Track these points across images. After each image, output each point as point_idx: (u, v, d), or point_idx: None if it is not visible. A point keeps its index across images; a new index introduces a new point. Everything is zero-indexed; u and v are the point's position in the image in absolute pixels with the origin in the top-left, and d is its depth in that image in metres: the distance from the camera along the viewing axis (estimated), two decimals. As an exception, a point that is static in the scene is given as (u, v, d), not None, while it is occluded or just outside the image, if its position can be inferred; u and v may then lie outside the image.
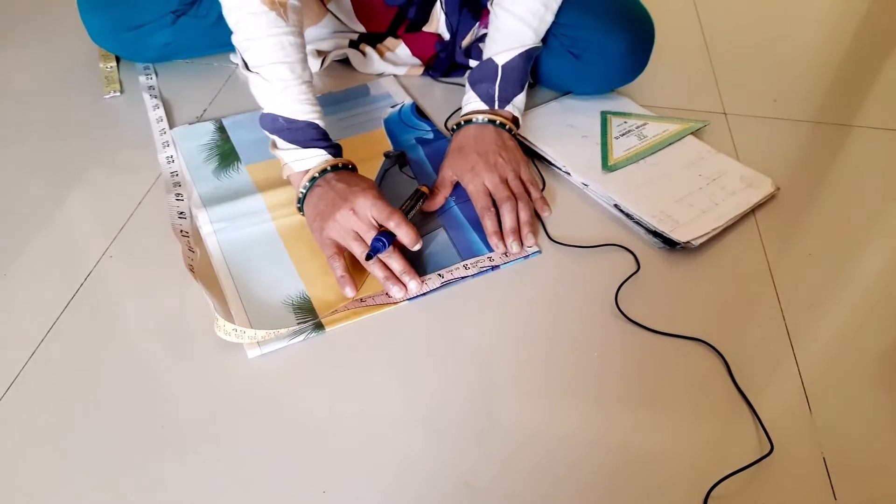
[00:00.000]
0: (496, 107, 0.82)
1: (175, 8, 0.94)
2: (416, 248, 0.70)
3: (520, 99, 0.84)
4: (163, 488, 0.56)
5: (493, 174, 0.78)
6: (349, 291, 0.69)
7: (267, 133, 0.75)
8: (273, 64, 0.71)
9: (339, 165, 0.73)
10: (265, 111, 0.74)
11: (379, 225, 0.69)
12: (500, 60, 0.82)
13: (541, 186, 0.85)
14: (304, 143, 0.73)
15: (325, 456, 0.58)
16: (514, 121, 0.84)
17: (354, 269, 0.72)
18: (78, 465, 0.57)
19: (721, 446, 0.60)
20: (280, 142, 0.74)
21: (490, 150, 0.79)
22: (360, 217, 0.69)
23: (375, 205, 0.68)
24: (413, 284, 0.70)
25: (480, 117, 0.82)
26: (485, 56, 0.84)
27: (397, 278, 0.70)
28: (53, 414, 0.60)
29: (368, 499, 0.56)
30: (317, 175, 0.72)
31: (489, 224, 0.76)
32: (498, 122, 0.81)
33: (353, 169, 0.75)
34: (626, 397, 0.63)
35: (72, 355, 0.65)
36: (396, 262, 0.70)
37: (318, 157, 0.73)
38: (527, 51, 0.82)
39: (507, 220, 0.75)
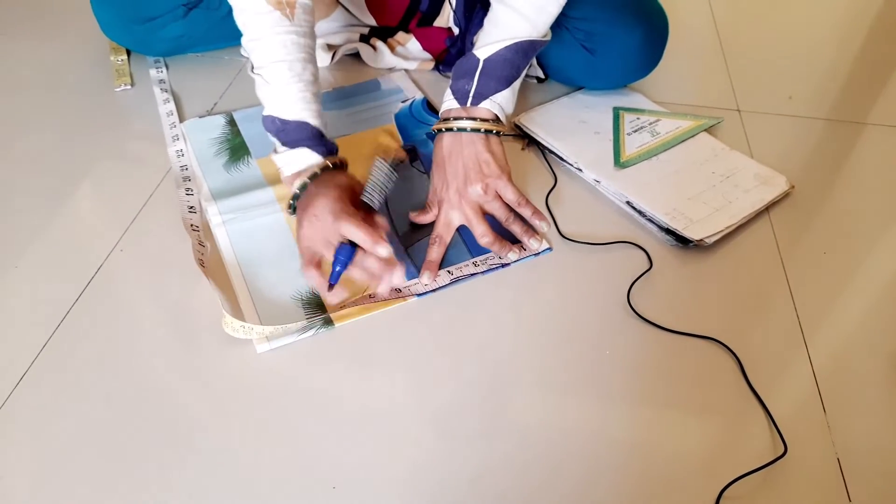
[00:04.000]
0: (468, 104, 0.74)
1: (186, 0, 0.94)
2: (383, 253, 0.62)
3: (503, 96, 0.74)
4: (171, 482, 0.56)
5: (463, 206, 0.72)
6: (331, 298, 0.65)
7: (269, 135, 0.72)
8: (273, 63, 0.69)
9: (322, 169, 0.68)
10: (264, 113, 0.71)
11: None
12: (483, 54, 0.73)
13: (550, 185, 0.84)
14: (293, 144, 0.70)
15: (334, 451, 0.58)
16: (496, 120, 0.74)
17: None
18: (87, 458, 0.57)
19: (734, 446, 0.59)
20: (278, 145, 0.71)
21: (461, 173, 0.72)
22: (322, 222, 0.64)
23: (332, 209, 0.63)
24: (397, 274, 0.65)
25: (452, 124, 0.74)
26: (473, 49, 0.75)
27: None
28: (63, 407, 0.60)
29: (377, 494, 0.55)
30: (297, 191, 0.68)
31: (430, 252, 0.72)
32: (471, 127, 0.73)
33: (341, 166, 0.71)
34: (637, 396, 0.63)
35: (82, 349, 0.65)
36: (370, 262, 0.64)
37: (303, 159, 0.69)
38: (517, 43, 0.73)
39: (495, 249, 0.73)
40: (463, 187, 0.72)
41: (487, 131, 0.73)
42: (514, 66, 0.74)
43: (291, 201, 0.70)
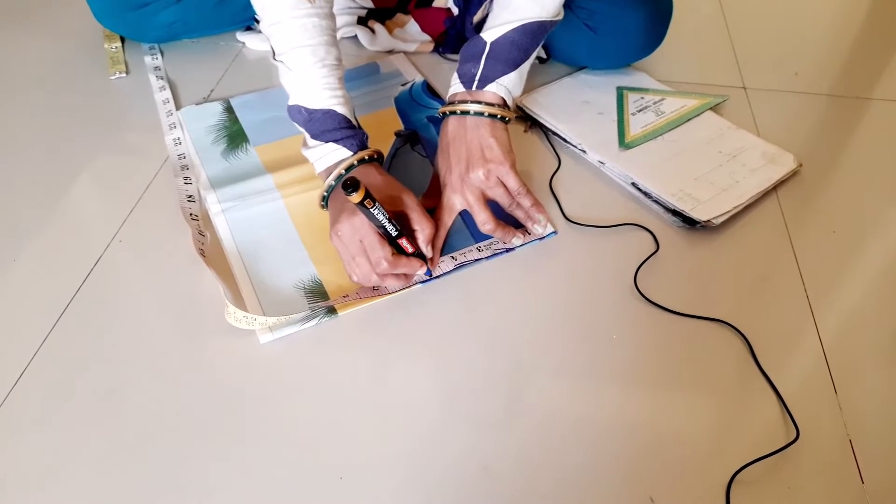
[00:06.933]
0: (474, 87, 0.72)
1: (179, -15, 0.92)
2: (421, 271, 0.67)
3: (510, 79, 0.72)
4: (177, 475, 0.55)
5: (465, 191, 0.71)
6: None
7: (298, 127, 0.70)
8: (295, 49, 0.67)
9: (355, 163, 0.67)
10: (290, 102, 0.69)
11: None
12: (490, 37, 0.71)
13: (554, 167, 0.83)
14: (323, 137, 0.68)
15: (340, 442, 0.57)
16: (503, 104, 0.72)
17: None
18: (90, 452, 0.56)
19: (745, 429, 0.59)
20: (307, 137, 0.70)
21: (464, 157, 0.71)
22: (348, 245, 0.64)
23: (362, 236, 0.63)
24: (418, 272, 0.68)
25: (457, 108, 0.72)
26: (481, 32, 0.73)
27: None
28: (65, 401, 0.60)
29: (384, 485, 0.55)
30: (325, 194, 0.68)
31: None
32: (474, 111, 0.71)
33: (377, 159, 0.70)
34: (646, 380, 0.62)
35: (83, 341, 0.64)
36: (404, 265, 0.66)
37: (333, 154, 0.68)
38: (524, 25, 0.70)
39: (497, 236, 0.72)
40: (465, 172, 0.71)
41: (492, 115, 0.71)
42: (522, 48, 0.71)
43: (325, 193, 0.69)
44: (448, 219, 0.72)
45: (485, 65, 0.71)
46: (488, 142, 0.70)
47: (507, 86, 0.72)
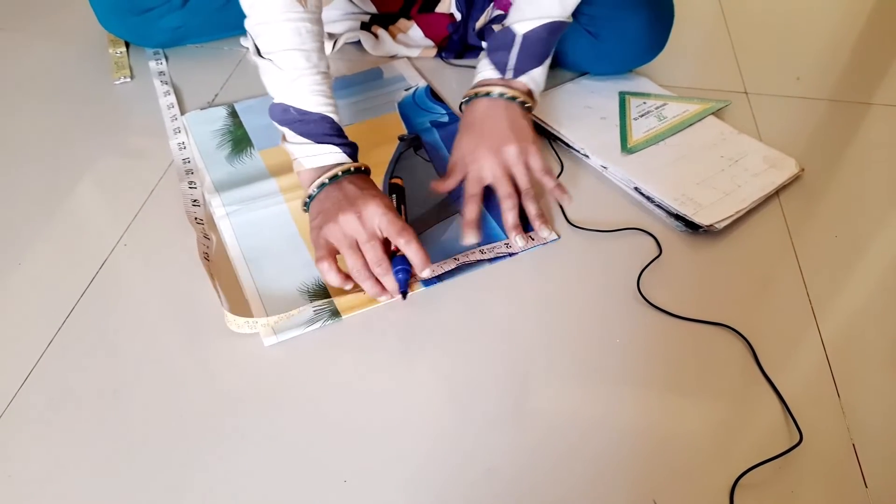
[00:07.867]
0: (507, 76, 0.76)
1: (183, -10, 0.93)
2: (426, 274, 0.67)
3: (538, 73, 0.77)
4: (180, 476, 0.55)
5: (494, 163, 0.73)
6: (348, 284, 0.67)
7: (276, 124, 0.71)
8: (287, 50, 0.67)
9: (353, 170, 0.68)
10: (275, 101, 0.69)
11: (384, 239, 0.66)
12: (521, 29, 0.75)
13: (557, 172, 0.83)
14: (318, 138, 0.68)
15: (344, 444, 0.58)
16: (530, 94, 0.77)
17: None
18: (95, 453, 0.57)
19: (748, 433, 0.59)
20: (291, 134, 0.70)
21: (496, 133, 0.74)
22: (365, 225, 0.65)
23: (386, 215, 0.65)
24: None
25: (491, 90, 0.75)
26: (506, 24, 0.77)
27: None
28: (70, 403, 0.60)
29: (389, 488, 0.55)
30: (326, 181, 0.68)
31: (468, 212, 0.72)
32: (508, 95, 0.75)
33: (368, 172, 0.71)
34: (649, 385, 0.62)
35: (88, 344, 0.65)
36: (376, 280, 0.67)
37: (331, 156, 0.68)
38: (550, 23, 0.75)
39: (509, 218, 0.72)
40: (497, 146, 0.73)
41: (523, 103, 0.76)
42: (548, 45, 0.77)
43: (307, 199, 0.69)
44: (475, 189, 0.73)
45: (518, 57, 0.76)
46: (521, 122, 0.75)
47: (536, 79, 0.77)
